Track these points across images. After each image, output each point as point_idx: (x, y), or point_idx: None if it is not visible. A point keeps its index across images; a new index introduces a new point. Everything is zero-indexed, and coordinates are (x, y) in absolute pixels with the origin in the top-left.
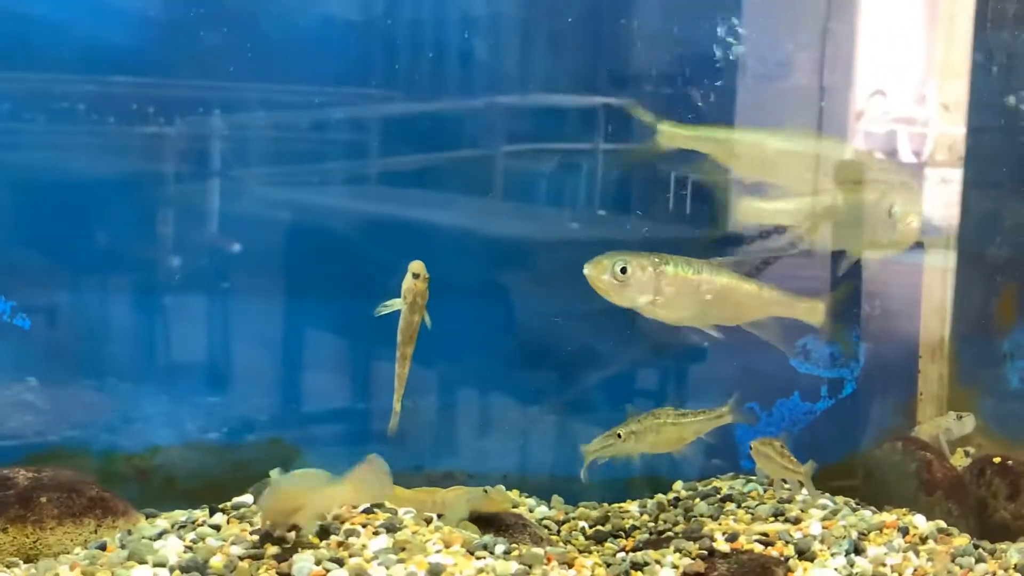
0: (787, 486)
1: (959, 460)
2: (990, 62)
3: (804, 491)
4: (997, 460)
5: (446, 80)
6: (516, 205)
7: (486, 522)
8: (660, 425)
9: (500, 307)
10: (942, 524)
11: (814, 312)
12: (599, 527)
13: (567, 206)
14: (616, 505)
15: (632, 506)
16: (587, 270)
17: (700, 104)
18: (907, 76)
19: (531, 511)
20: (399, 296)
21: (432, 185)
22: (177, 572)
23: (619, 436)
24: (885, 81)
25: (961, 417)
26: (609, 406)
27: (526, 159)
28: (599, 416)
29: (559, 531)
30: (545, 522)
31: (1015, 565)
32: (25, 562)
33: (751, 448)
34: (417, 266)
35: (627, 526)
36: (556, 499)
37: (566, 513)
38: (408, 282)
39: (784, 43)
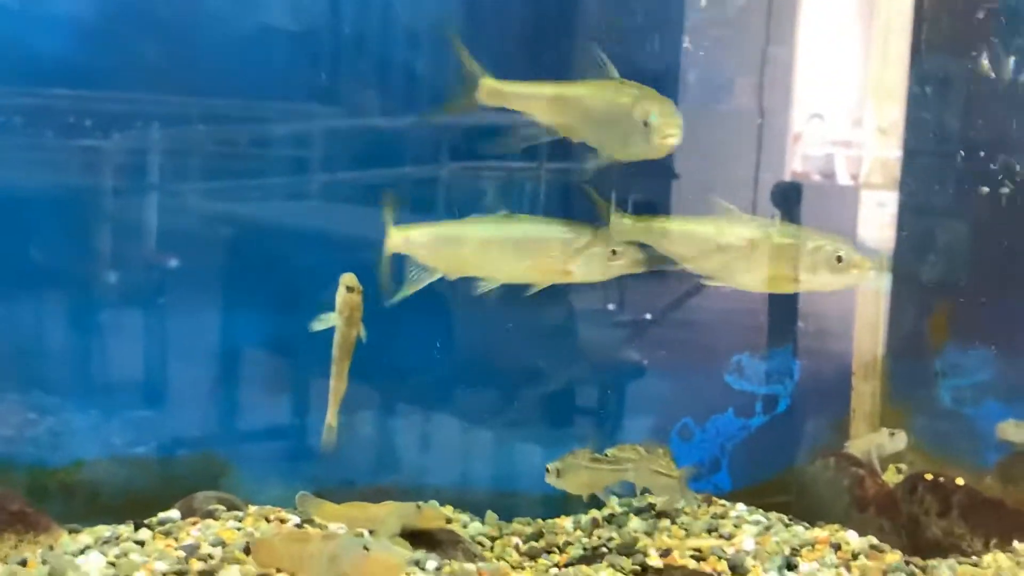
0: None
1: (891, 477)
2: (925, 85)
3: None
4: (929, 477)
5: (386, 95)
6: None
7: (418, 538)
8: (579, 467)
9: (437, 323)
10: (874, 540)
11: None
12: (533, 543)
13: None
14: (550, 521)
15: (566, 522)
16: None
17: None
18: (844, 99)
19: (464, 527)
20: (333, 310)
21: (373, 201)
22: None
23: (547, 470)
24: (823, 104)
25: (893, 434)
26: (546, 422)
27: (469, 177)
28: (535, 432)
29: (492, 547)
30: (479, 538)
31: None
32: None
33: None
34: (350, 279)
35: (561, 542)
36: (490, 515)
37: (500, 529)
38: (342, 296)
39: (724, 66)
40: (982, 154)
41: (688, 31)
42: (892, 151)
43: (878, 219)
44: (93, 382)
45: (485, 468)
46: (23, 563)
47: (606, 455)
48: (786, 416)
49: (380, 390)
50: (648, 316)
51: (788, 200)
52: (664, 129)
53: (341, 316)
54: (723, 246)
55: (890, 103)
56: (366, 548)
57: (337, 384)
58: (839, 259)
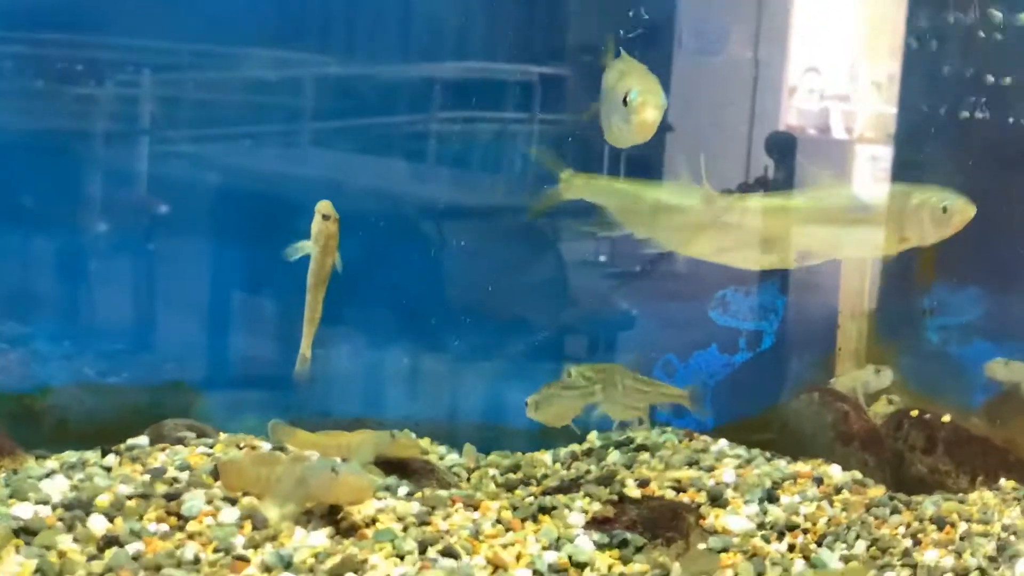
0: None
1: (879, 409)
2: (921, 40)
3: None
4: (914, 413)
5: (380, 45)
6: (447, 171)
7: (392, 467)
8: (552, 396)
9: (421, 261)
10: (857, 475)
11: None
12: (510, 475)
13: (500, 174)
14: (529, 454)
15: (545, 455)
16: None
17: None
18: (841, 53)
19: (441, 459)
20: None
21: (363, 149)
22: (60, 510)
23: (526, 404)
24: (819, 58)
25: (879, 371)
26: (528, 358)
27: (461, 127)
28: (517, 368)
29: (469, 479)
30: (455, 469)
31: (930, 517)
32: None
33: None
34: (326, 206)
35: (538, 475)
36: (468, 447)
37: (477, 461)
38: (318, 224)
39: (720, 17)
40: (976, 102)
41: None
42: (887, 106)
43: (871, 174)
44: (62, 310)
45: (466, 402)
46: None
47: (569, 374)
48: (771, 353)
49: (360, 322)
50: (638, 268)
51: (782, 150)
52: (642, 108)
53: (316, 244)
54: (825, 220)
55: (887, 58)
56: (334, 471)
57: (311, 314)
58: (944, 210)
